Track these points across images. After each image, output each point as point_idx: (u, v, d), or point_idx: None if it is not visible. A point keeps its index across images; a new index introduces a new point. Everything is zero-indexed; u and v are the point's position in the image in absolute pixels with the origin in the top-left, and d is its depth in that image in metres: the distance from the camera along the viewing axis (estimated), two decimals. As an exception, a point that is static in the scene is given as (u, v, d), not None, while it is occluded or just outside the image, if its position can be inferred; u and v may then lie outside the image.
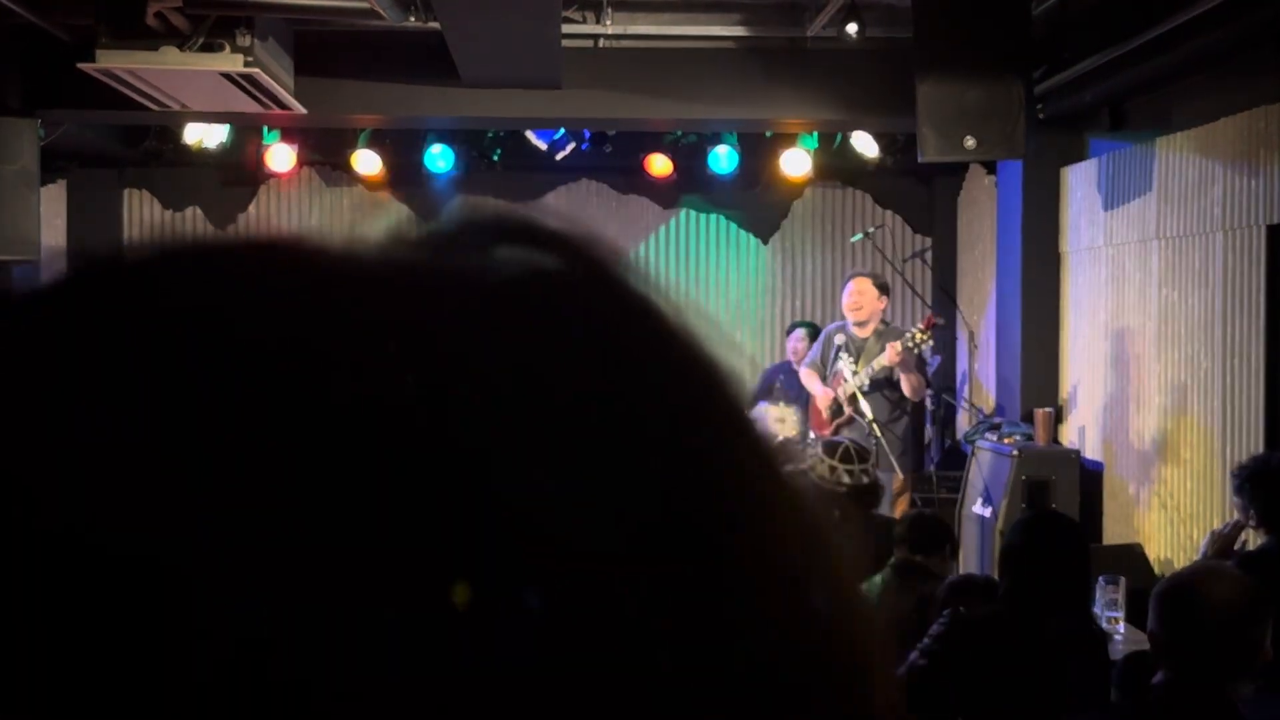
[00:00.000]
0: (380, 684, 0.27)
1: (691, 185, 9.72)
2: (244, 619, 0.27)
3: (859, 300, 7.25)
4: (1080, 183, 7.28)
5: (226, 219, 9.80)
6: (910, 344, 6.90)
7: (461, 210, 0.38)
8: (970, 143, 5.97)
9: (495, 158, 9.37)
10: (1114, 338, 6.88)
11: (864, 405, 6.99)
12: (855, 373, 7.14)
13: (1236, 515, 4.48)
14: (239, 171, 9.63)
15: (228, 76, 5.81)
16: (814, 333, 8.71)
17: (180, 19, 5.59)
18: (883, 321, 7.51)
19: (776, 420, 8.14)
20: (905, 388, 7.05)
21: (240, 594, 0.27)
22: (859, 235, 9.60)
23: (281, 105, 6.44)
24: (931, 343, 7.12)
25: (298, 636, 0.27)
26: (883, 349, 7.26)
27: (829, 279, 9.87)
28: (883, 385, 7.16)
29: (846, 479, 5.14)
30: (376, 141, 9.08)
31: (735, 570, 0.31)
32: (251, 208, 9.83)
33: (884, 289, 7.41)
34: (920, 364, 7.18)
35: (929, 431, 9.40)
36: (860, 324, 7.28)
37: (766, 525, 0.34)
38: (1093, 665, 3.55)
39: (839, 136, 9.00)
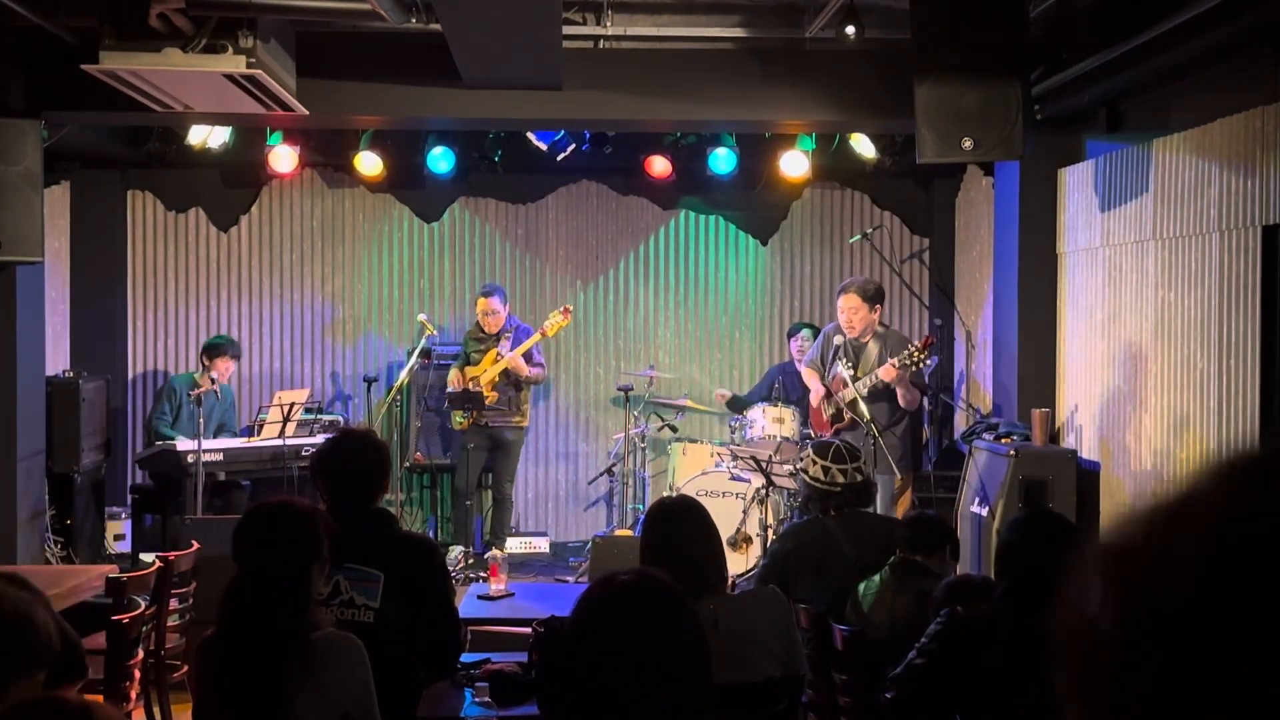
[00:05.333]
0: None
1: (691, 186, 9.75)
2: None
3: (851, 319, 7.45)
4: (1077, 184, 7.31)
5: (229, 220, 9.82)
6: (908, 361, 7.04)
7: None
8: (968, 144, 6.00)
9: (496, 159, 9.40)
10: (1111, 338, 6.91)
11: (864, 410, 7.10)
12: (856, 379, 7.26)
13: None
14: (241, 172, 9.66)
15: (230, 78, 5.84)
16: (816, 334, 8.78)
17: (183, 20, 5.62)
18: (881, 324, 7.59)
19: (775, 420, 8.19)
20: (900, 400, 7.26)
21: None
22: (857, 236, 9.65)
23: (284, 106, 6.46)
24: (929, 361, 7.21)
25: None
26: (881, 351, 7.35)
27: (828, 279, 9.91)
28: (882, 393, 7.27)
29: (840, 478, 5.18)
30: (378, 142, 9.11)
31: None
32: (254, 209, 9.85)
33: (875, 298, 7.50)
34: (918, 377, 7.32)
35: (927, 431, 9.44)
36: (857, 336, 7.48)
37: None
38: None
39: (837, 138, 9.04)
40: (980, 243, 8.89)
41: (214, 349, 8.81)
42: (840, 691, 4.52)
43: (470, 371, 8.81)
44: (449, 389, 8.83)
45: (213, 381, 8.65)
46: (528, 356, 8.74)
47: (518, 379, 8.77)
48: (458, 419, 8.79)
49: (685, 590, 2.12)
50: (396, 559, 3.85)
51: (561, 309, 8.84)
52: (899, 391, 7.23)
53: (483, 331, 8.87)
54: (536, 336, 8.76)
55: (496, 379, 8.70)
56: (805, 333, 9.06)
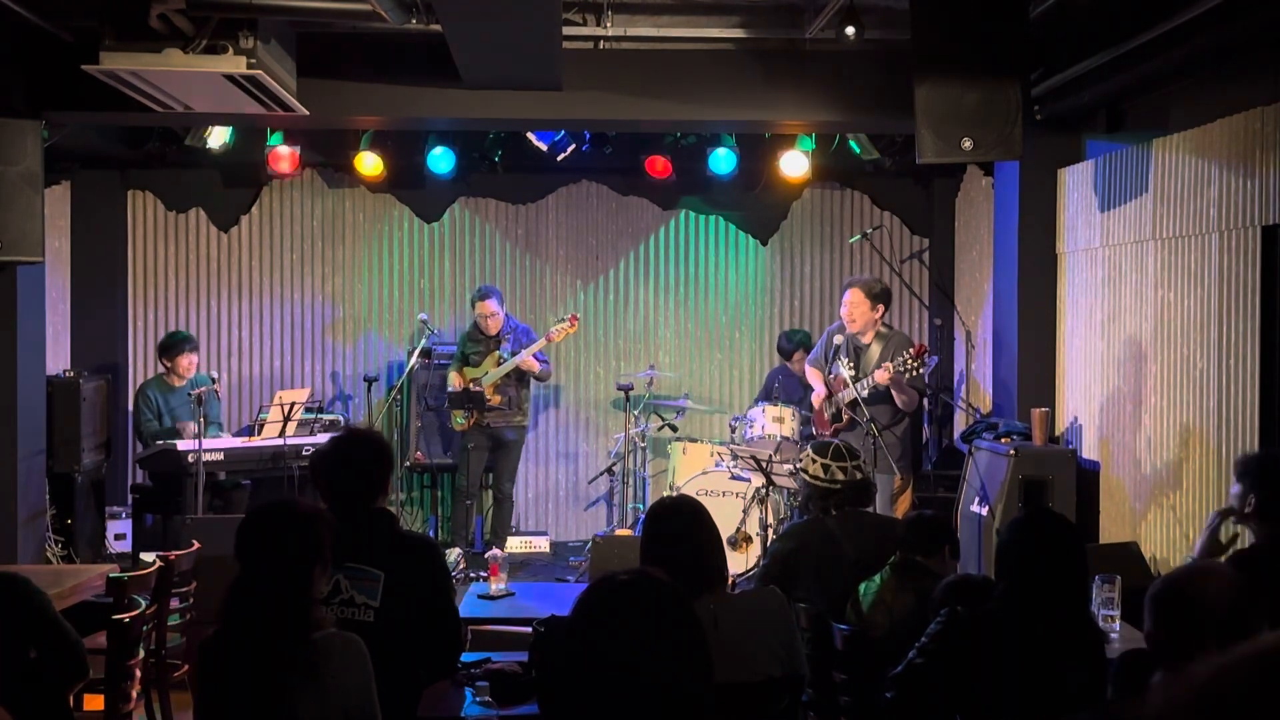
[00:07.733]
0: None
1: (691, 186, 9.76)
2: None
3: (852, 313, 7.45)
4: (1077, 184, 7.32)
5: (229, 220, 9.83)
6: (902, 369, 7.05)
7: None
8: (968, 144, 6.00)
9: (496, 159, 9.40)
10: (1110, 338, 6.92)
11: (864, 410, 7.09)
12: (856, 379, 7.25)
13: (1231, 503, 4.37)
14: (242, 172, 9.66)
15: (230, 78, 5.84)
16: (810, 348, 8.77)
17: (183, 21, 5.62)
18: (884, 324, 7.58)
19: (775, 420, 8.19)
20: (897, 401, 7.25)
21: None
22: (857, 236, 9.65)
23: (284, 107, 6.47)
24: (923, 370, 7.21)
25: None
26: (884, 352, 7.34)
27: (827, 280, 9.91)
28: (883, 393, 7.26)
29: (840, 476, 5.18)
30: (378, 143, 9.11)
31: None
32: (254, 209, 9.85)
33: (879, 297, 7.48)
34: (915, 381, 7.30)
35: (927, 431, 9.45)
36: (858, 333, 7.45)
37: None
38: (1089, 664, 3.58)
39: (837, 138, 9.04)
40: (980, 243, 8.90)
41: (172, 347, 8.64)
42: (840, 691, 4.52)
43: (470, 373, 8.80)
44: (450, 389, 8.82)
45: (180, 379, 8.59)
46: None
47: (526, 376, 8.78)
48: (458, 419, 8.77)
49: (685, 590, 2.12)
50: (397, 558, 3.85)
51: (569, 318, 8.81)
52: (895, 395, 7.23)
53: (481, 333, 8.85)
54: (542, 342, 8.76)
55: (500, 381, 8.69)
56: (799, 353, 9.00)
